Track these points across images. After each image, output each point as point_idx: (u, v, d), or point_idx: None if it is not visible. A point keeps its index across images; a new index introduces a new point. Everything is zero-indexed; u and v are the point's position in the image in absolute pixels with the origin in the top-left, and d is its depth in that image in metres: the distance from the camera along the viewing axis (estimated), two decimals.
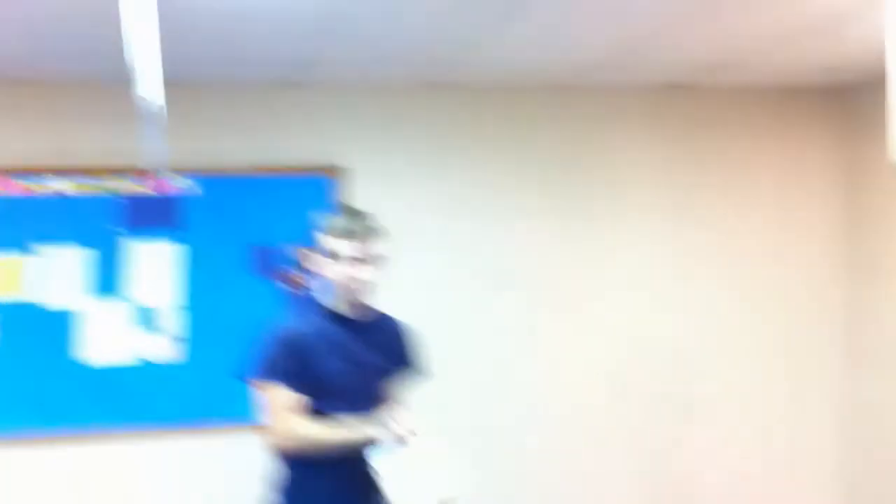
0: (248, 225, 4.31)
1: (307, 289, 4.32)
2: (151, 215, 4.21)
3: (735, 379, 4.84)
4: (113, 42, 3.09)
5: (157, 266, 4.22)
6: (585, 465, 4.69)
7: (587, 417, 4.68)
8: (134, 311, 4.20)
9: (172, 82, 3.97)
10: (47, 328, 4.11)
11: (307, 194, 4.34)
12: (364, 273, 2.79)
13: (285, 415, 2.74)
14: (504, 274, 4.60)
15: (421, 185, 4.53)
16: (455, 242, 4.56)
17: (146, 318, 4.21)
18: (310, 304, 2.95)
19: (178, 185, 4.22)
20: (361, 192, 4.37)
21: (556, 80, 4.45)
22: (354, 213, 2.91)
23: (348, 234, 2.77)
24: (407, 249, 4.42)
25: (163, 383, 4.22)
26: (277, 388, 2.75)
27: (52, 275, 4.12)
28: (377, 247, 2.83)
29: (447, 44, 3.73)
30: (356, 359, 2.85)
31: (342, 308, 2.85)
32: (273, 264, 4.33)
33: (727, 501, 4.80)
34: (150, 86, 2.04)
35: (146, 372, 4.20)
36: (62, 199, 4.11)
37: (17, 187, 4.07)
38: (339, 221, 2.84)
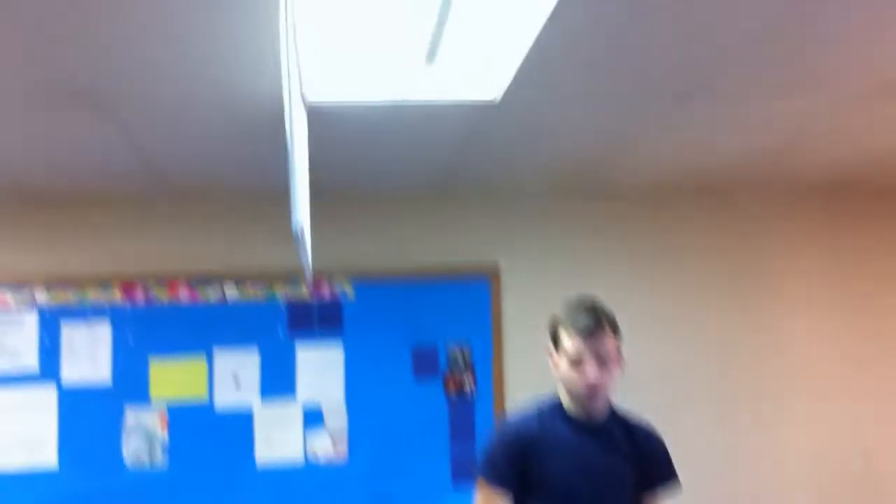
0: (406, 327, 4.42)
1: (465, 391, 4.40)
2: (313, 319, 4.39)
3: None
4: (273, 153, 3.32)
5: (321, 368, 4.37)
6: None
7: None
8: (301, 412, 4.35)
9: (333, 192, 4.24)
10: (224, 430, 4.31)
11: (463, 296, 4.45)
12: (603, 375, 2.55)
13: None
14: (665, 380, 4.53)
15: (573, 289, 4.51)
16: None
17: (312, 419, 4.35)
18: (545, 402, 2.72)
19: (338, 290, 4.40)
20: (513, 295, 4.45)
21: (705, 182, 4.44)
22: (594, 309, 2.62)
23: (587, 332, 2.54)
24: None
25: (328, 484, 4.33)
26: (489, 490, 2.61)
27: (227, 378, 4.33)
28: (616, 345, 2.59)
29: (597, 152, 3.80)
30: (587, 463, 2.61)
31: (575, 410, 2.64)
32: (432, 366, 4.42)
33: None
34: (300, 198, 2.18)
35: (313, 473, 4.33)
36: (232, 305, 4.34)
37: (193, 294, 4.33)
38: (579, 318, 2.58)
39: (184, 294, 4.32)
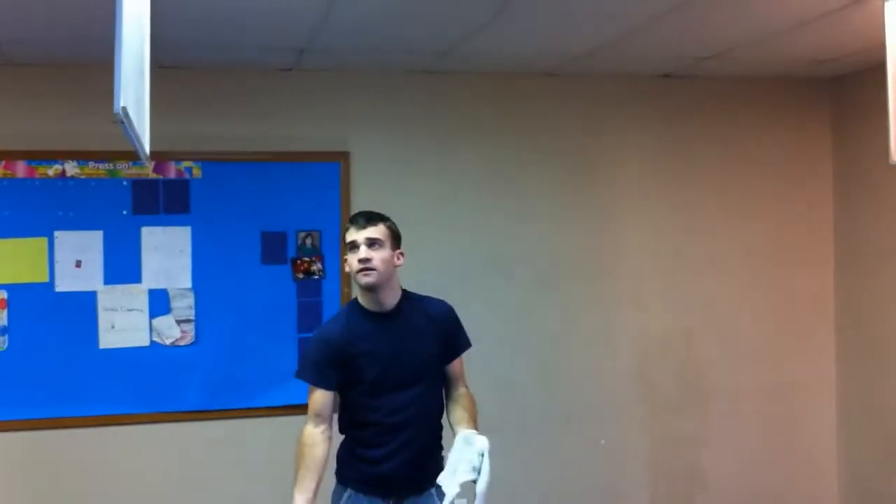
0: (253, 210, 4.40)
1: (314, 276, 4.45)
2: (158, 199, 4.31)
3: (741, 368, 4.95)
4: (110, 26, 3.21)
5: (167, 250, 4.32)
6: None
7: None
8: (146, 295, 4.31)
9: (176, 66, 4.15)
10: (66, 313, 4.22)
11: (311, 179, 4.46)
12: (374, 254, 2.93)
13: (309, 417, 2.99)
14: (503, 260, 4.69)
15: (421, 170, 4.63)
16: (455, 228, 4.66)
17: (158, 302, 4.32)
18: (350, 305, 3.12)
19: (185, 170, 4.33)
20: (362, 177, 4.51)
21: (552, 67, 4.56)
22: (370, 211, 3.07)
23: (354, 222, 3.00)
24: (407, 235, 4.54)
25: (174, 367, 4.33)
26: (312, 390, 3.00)
27: (69, 261, 4.23)
28: (379, 233, 2.97)
29: (444, 33, 3.83)
30: (391, 349, 2.98)
31: (369, 303, 3.01)
32: (281, 251, 4.44)
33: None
34: (126, 74, 2.13)
35: (159, 355, 4.32)
36: (74, 183, 4.22)
37: (31, 171, 4.18)
38: (355, 216, 3.05)
39: (21, 171, 4.16)
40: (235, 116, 4.41)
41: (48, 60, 4.14)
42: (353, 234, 2.96)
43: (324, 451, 2.96)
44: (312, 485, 2.90)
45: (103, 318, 4.26)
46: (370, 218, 2.99)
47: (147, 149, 2.63)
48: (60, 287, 4.21)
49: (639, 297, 4.85)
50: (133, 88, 2.31)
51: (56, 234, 4.20)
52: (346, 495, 3.06)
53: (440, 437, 3.10)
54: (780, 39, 4.01)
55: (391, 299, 3.02)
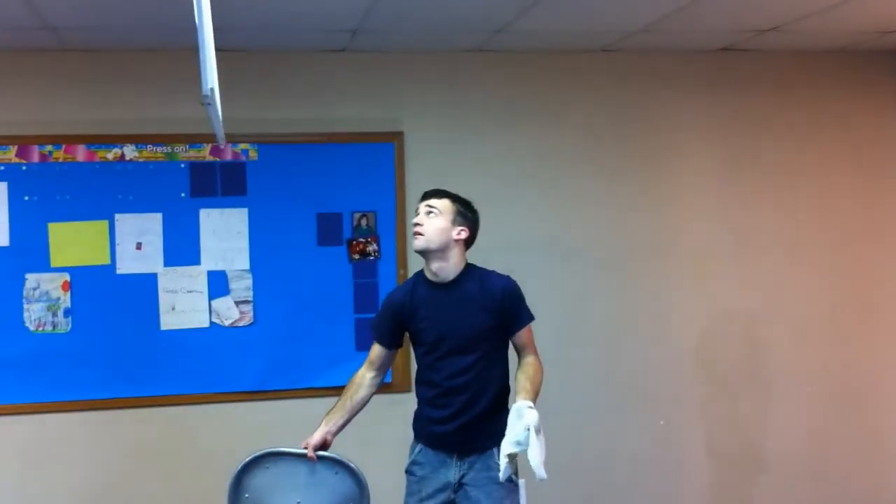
0: (309, 192, 4.42)
1: (369, 256, 4.46)
2: (215, 182, 4.36)
3: (805, 349, 4.86)
4: (175, 10, 3.25)
5: (224, 232, 4.36)
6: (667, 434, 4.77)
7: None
8: (205, 277, 4.36)
9: (231, 49, 4.18)
10: (127, 294, 4.28)
11: (366, 160, 4.46)
12: (429, 221, 3.12)
13: (364, 362, 3.33)
14: (560, 241, 4.66)
15: (475, 149, 4.60)
16: (510, 208, 4.62)
17: (217, 282, 4.36)
18: (418, 274, 3.30)
19: (241, 152, 4.36)
20: (416, 157, 4.50)
21: (608, 43, 4.49)
22: (438, 188, 3.27)
23: (424, 195, 3.23)
24: None
25: (233, 348, 4.38)
26: (373, 343, 3.34)
27: (130, 243, 4.29)
28: (439, 204, 3.15)
29: (498, 10, 3.79)
30: (445, 315, 3.15)
31: (430, 274, 3.18)
32: (336, 231, 4.46)
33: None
34: (209, 57, 2.17)
35: (218, 336, 4.37)
36: (132, 167, 4.27)
37: (91, 156, 4.24)
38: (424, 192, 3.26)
39: (82, 155, 4.23)
40: (290, 98, 4.42)
41: (107, 46, 4.20)
42: (419, 204, 3.20)
43: (365, 395, 3.28)
44: (340, 421, 3.22)
45: (164, 300, 4.32)
46: (437, 191, 3.21)
47: (222, 131, 2.67)
48: (121, 269, 4.28)
49: (700, 277, 4.78)
50: (213, 73, 2.34)
51: (116, 216, 4.27)
52: (417, 448, 3.28)
53: (503, 401, 3.19)
54: (842, 11, 3.89)
55: (447, 271, 3.17)
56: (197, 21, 2.22)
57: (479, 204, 4.45)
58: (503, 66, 4.59)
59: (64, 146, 4.20)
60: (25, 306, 4.19)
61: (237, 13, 3.69)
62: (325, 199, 4.43)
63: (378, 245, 4.48)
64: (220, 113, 2.67)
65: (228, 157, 4.35)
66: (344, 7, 3.67)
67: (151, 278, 4.31)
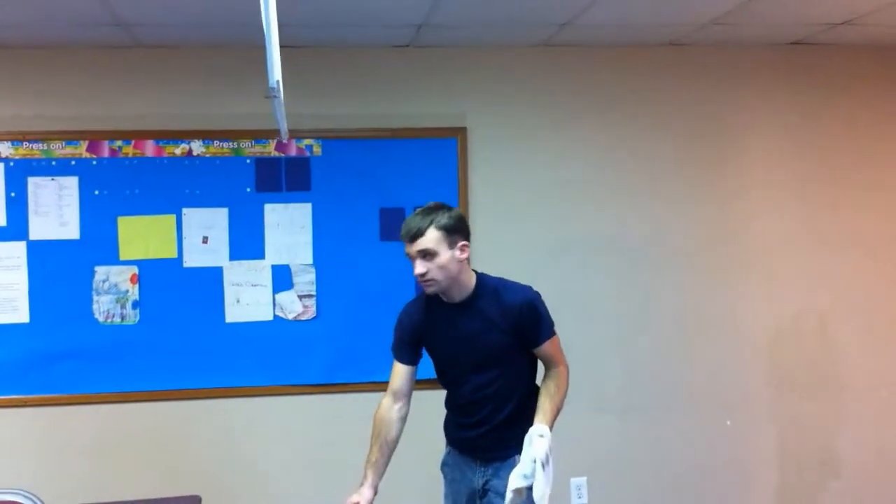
0: (372, 186, 4.43)
1: None
2: (280, 177, 4.39)
3: (878, 352, 4.74)
4: (242, 7, 3.28)
5: (289, 226, 4.40)
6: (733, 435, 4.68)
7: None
8: (269, 270, 4.40)
9: (295, 46, 4.20)
10: (194, 287, 4.35)
11: (429, 155, 4.45)
12: (429, 267, 2.90)
13: (387, 390, 3.17)
14: (624, 238, 4.60)
15: (539, 145, 4.56)
16: (574, 204, 4.58)
17: (280, 276, 4.40)
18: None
19: (305, 147, 4.39)
20: (480, 152, 4.47)
21: (676, 37, 4.42)
22: (418, 213, 2.97)
23: (403, 235, 2.95)
24: (525, 210, 4.50)
25: (296, 341, 4.42)
26: (395, 362, 3.18)
27: (195, 234, 4.36)
28: (429, 242, 2.88)
29: (564, 2, 3.75)
30: (460, 335, 3.02)
31: (443, 296, 3.03)
32: (398, 226, 4.42)
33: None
34: (273, 57, 2.20)
35: (282, 328, 4.41)
36: (200, 162, 4.34)
37: (159, 151, 4.32)
38: (403, 225, 2.96)
39: (150, 150, 4.30)
40: (354, 94, 4.44)
41: (176, 43, 4.26)
42: (406, 249, 2.94)
43: (397, 432, 3.11)
44: (383, 468, 3.06)
45: (229, 293, 4.37)
46: (416, 230, 2.89)
47: (286, 126, 2.70)
48: (188, 262, 4.34)
49: (769, 276, 4.68)
50: (277, 68, 2.36)
51: (184, 210, 4.33)
52: (447, 450, 3.27)
53: (531, 404, 2.99)
54: None
55: (461, 294, 3.00)
56: (263, 17, 2.24)
57: (542, 200, 4.49)
58: (568, 60, 4.55)
59: (133, 141, 4.28)
60: (95, 298, 4.28)
61: (304, 10, 3.71)
62: (389, 193, 4.44)
63: None
64: (283, 107, 2.69)
65: (293, 152, 4.38)
66: (409, 3, 3.66)
67: (217, 272, 4.36)
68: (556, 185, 4.54)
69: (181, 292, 4.33)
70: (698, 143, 4.63)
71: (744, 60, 4.64)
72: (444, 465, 3.28)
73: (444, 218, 2.91)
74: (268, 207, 4.39)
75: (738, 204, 4.66)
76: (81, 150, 4.25)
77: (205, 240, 4.35)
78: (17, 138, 4.22)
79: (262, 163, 4.37)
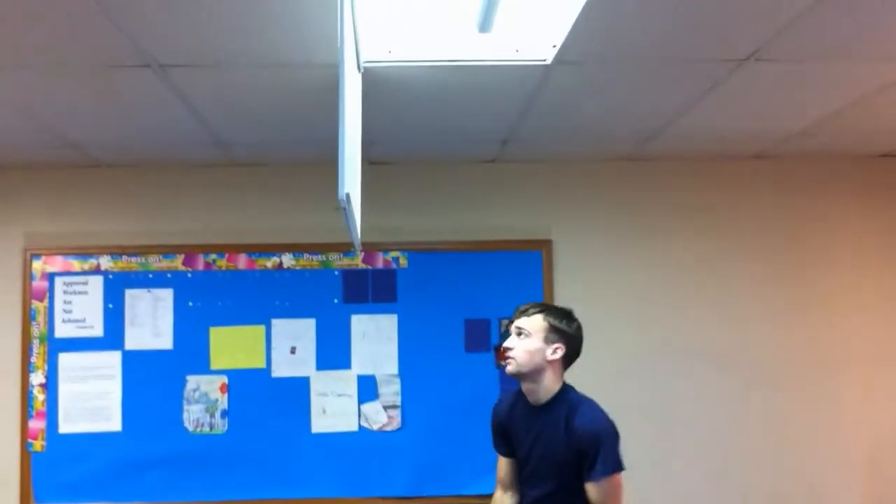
0: (457, 298, 4.47)
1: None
2: (367, 288, 4.46)
3: None
4: (331, 128, 3.39)
5: (375, 338, 4.45)
6: None
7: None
8: (355, 381, 4.43)
9: (384, 162, 4.32)
10: (281, 397, 4.41)
11: (514, 267, 4.48)
12: (517, 343, 2.94)
13: (497, 485, 3.21)
14: (713, 351, 4.52)
15: (623, 257, 4.56)
16: (660, 317, 4.54)
17: (366, 386, 4.43)
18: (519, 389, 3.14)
19: (392, 260, 4.47)
20: (564, 264, 4.50)
21: (762, 149, 4.42)
22: (530, 303, 3.08)
23: (516, 313, 3.02)
24: (610, 322, 4.47)
25: (382, 452, 4.41)
26: (497, 459, 3.20)
27: (285, 347, 4.43)
28: (529, 324, 2.94)
29: (650, 116, 3.80)
30: (533, 437, 3.00)
31: (526, 393, 3.03)
32: (484, 338, 4.47)
33: None
34: (349, 166, 2.28)
35: (367, 440, 4.41)
36: (289, 274, 4.44)
37: (251, 263, 4.44)
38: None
39: (243, 263, 4.42)
40: (440, 207, 4.52)
41: (268, 160, 4.42)
42: (509, 324, 3.04)
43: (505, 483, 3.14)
44: None
45: (315, 403, 4.40)
46: (528, 309, 3.00)
47: (359, 237, 2.77)
48: (276, 373, 4.41)
49: (866, 387, 4.54)
50: (351, 180, 2.44)
51: (273, 321, 4.42)
52: None
53: None
54: None
55: (538, 394, 2.98)
56: (339, 133, 2.31)
57: (629, 312, 4.47)
58: (652, 173, 4.57)
59: (227, 255, 4.41)
60: (185, 407, 4.35)
61: (393, 128, 3.83)
62: (474, 305, 4.46)
63: None
64: (356, 219, 2.75)
65: (380, 264, 4.46)
66: (495, 118, 3.75)
67: (304, 381, 4.41)
68: (641, 297, 4.51)
69: (269, 402, 4.38)
70: (786, 256, 4.57)
71: (830, 171, 4.61)
72: None
73: (556, 316, 2.97)
74: (354, 318, 4.45)
75: (830, 313, 4.56)
76: (177, 262, 4.40)
77: (293, 350, 4.42)
78: (116, 252, 4.39)
79: (350, 275, 4.45)
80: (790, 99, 3.55)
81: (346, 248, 4.42)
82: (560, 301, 4.46)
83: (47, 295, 4.36)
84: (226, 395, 4.38)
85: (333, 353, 4.43)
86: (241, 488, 4.34)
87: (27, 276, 4.36)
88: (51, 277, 4.37)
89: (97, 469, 4.31)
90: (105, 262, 4.38)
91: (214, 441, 4.36)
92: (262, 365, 4.41)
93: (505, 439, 3.15)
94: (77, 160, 4.30)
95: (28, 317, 4.35)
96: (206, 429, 4.36)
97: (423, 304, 4.45)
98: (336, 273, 4.45)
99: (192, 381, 4.37)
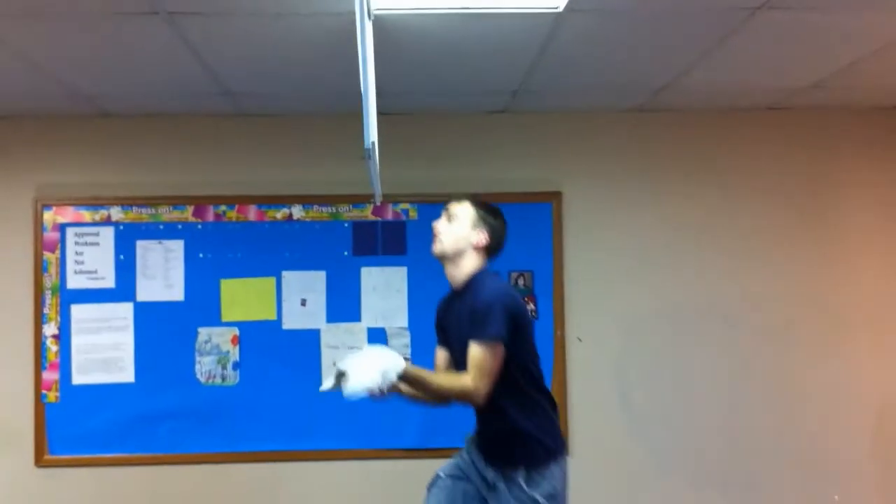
0: None
1: None
2: (376, 241, 4.46)
3: None
4: (342, 77, 3.37)
5: (385, 290, 4.46)
6: None
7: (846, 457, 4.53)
8: (365, 333, 4.45)
9: (394, 113, 4.30)
10: (291, 348, 4.43)
11: (524, 220, 4.42)
12: (445, 225, 3.10)
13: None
14: (724, 305, 4.52)
15: (634, 210, 4.55)
16: (671, 270, 4.53)
17: (376, 339, 4.44)
18: None
19: (401, 211, 4.47)
20: (575, 217, 4.49)
21: (775, 101, 4.38)
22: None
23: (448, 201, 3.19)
24: (620, 276, 4.47)
25: (392, 405, 4.39)
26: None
27: (294, 297, 4.44)
28: (459, 209, 3.10)
29: (661, 68, 3.77)
30: (452, 322, 3.13)
31: (451, 280, 3.14)
32: None
33: None
34: (369, 119, 2.28)
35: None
36: (299, 226, 4.45)
37: (261, 215, 4.45)
38: None
39: (253, 215, 4.43)
40: (450, 159, 4.51)
41: (278, 111, 4.40)
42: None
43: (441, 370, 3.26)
44: (415, 370, 2.95)
45: (326, 356, 4.43)
46: (457, 197, 3.16)
47: (380, 188, 2.77)
48: (287, 325, 4.43)
49: (875, 342, 4.54)
50: (373, 130, 2.43)
51: (283, 273, 4.43)
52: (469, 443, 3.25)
53: (517, 429, 2.98)
54: None
55: (456, 279, 3.10)
56: (361, 83, 2.31)
57: (638, 265, 4.46)
58: (663, 125, 4.54)
59: (237, 206, 4.42)
60: (197, 359, 4.38)
61: (402, 79, 3.80)
62: None
63: (535, 305, 4.47)
64: (378, 169, 2.76)
65: (389, 216, 4.45)
66: (504, 70, 3.72)
67: (315, 334, 4.43)
68: (652, 251, 4.50)
69: (280, 354, 4.41)
70: (797, 208, 4.55)
71: (843, 124, 4.57)
72: (465, 440, 3.27)
73: (484, 204, 3.13)
74: (364, 271, 4.46)
75: (840, 269, 4.55)
76: (187, 214, 4.40)
77: (303, 302, 4.43)
78: (126, 203, 4.40)
79: (360, 227, 4.46)
80: (803, 49, 3.51)
81: (355, 200, 4.42)
82: (571, 254, 4.47)
83: (59, 246, 4.38)
84: (237, 347, 4.40)
85: (343, 305, 4.45)
86: (253, 440, 4.38)
87: (38, 226, 4.37)
88: (62, 228, 4.38)
89: (110, 420, 4.36)
90: (116, 213, 4.39)
91: (226, 392, 4.39)
92: (273, 317, 4.42)
93: (440, 328, 3.27)
94: (87, 111, 4.29)
95: (40, 268, 4.37)
96: (218, 380, 4.39)
97: (433, 256, 4.43)
98: (346, 225, 4.45)
99: (204, 332, 4.40)
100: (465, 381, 2.86)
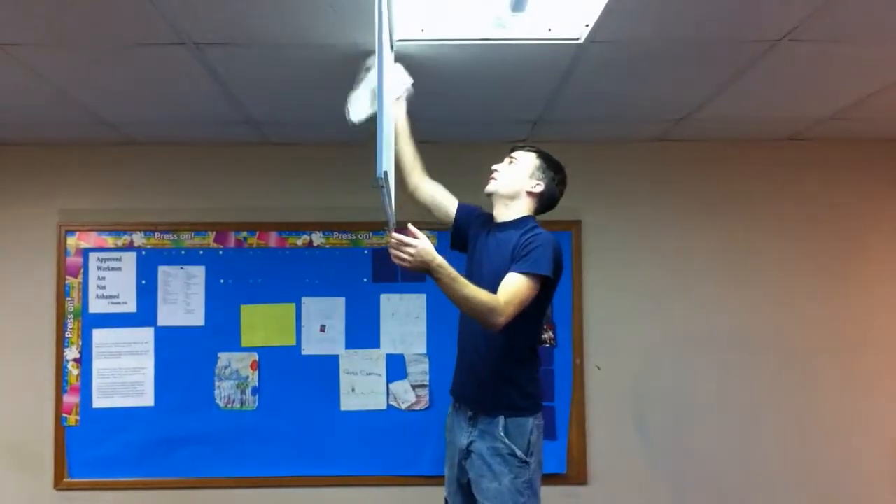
0: None
1: (545, 343, 4.45)
2: (396, 268, 4.46)
3: None
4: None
5: (404, 317, 4.48)
6: None
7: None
8: (384, 360, 4.47)
9: (420, 141, 4.31)
10: (310, 374, 4.46)
11: None
12: (506, 166, 3.15)
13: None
14: (742, 334, 4.50)
15: (653, 238, 4.56)
16: (689, 299, 4.53)
17: (395, 366, 4.46)
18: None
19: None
20: (594, 245, 4.50)
21: (794, 131, 4.39)
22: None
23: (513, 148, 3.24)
24: (639, 304, 4.46)
25: (410, 431, 4.45)
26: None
27: (314, 323, 4.47)
28: (522, 155, 3.15)
29: (682, 98, 3.78)
30: (481, 252, 3.14)
31: (496, 217, 3.17)
32: None
33: None
34: (383, 148, 2.31)
35: (395, 418, 4.45)
36: (319, 252, 4.48)
37: (282, 242, 4.48)
38: None
39: (273, 241, 4.46)
40: (470, 187, 4.48)
41: (299, 140, 4.44)
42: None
43: (424, 182, 3.45)
44: (405, 146, 3.39)
45: (344, 381, 4.44)
46: (526, 145, 3.20)
47: (394, 216, 2.80)
48: (306, 350, 4.45)
49: None
50: (388, 159, 2.46)
51: (303, 300, 4.46)
52: (449, 410, 3.30)
53: (504, 374, 3.02)
54: None
55: (504, 216, 3.13)
56: (377, 111, 2.34)
57: (657, 295, 4.46)
58: (683, 155, 4.55)
59: (258, 233, 4.45)
60: (217, 384, 4.41)
61: (423, 108, 3.82)
62: None
63: (554, 333, 4.47)
64: (392, 198, 2.79)
65: None
66: (526, 100, 3.75)
67: (334, 360, 4.45)
68: (671, 280, 4.50)
69: (298, 380, 4.43)
70: (818, 239, 4.54)
71: (864, 155, 4.57)
72: (446, 430, 3.29)
73: (548, 157, 3.16)
74: (383, 298, 4.47)
75: (862, 300, 4.53)
76: (209, 240, 4.44)
77: (322, 328, 4.45)
78: (149, 229, 4.44)
79: (379, 254, 4.48)
80: (824, 81, 3.52)
81: (375, 228, 4.45)
82: (590, 282, 4.47)
83: (81, 271, 4.43)
84: (256, 373, 4.42)
85: (362, 331, 4.47)
86: (271, 465, 4.40)
87: (62, 251, 4.42)
88: (85, 253, 4.43)
89: (130, 444, 4.38)
90: (138, 239, 4.44)
91: (245, 417, 4.41)
92: (293, 342, 4.45)
93: (463, 223, 3.34)
94: (111, 138, 4.35)
95: (62, 292, 4.42)
96: (237, 405, 4.41)
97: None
98: (366, 252, 4.48)
99: (224, 357, 4.42)
100: (497, 299, 2.78)
